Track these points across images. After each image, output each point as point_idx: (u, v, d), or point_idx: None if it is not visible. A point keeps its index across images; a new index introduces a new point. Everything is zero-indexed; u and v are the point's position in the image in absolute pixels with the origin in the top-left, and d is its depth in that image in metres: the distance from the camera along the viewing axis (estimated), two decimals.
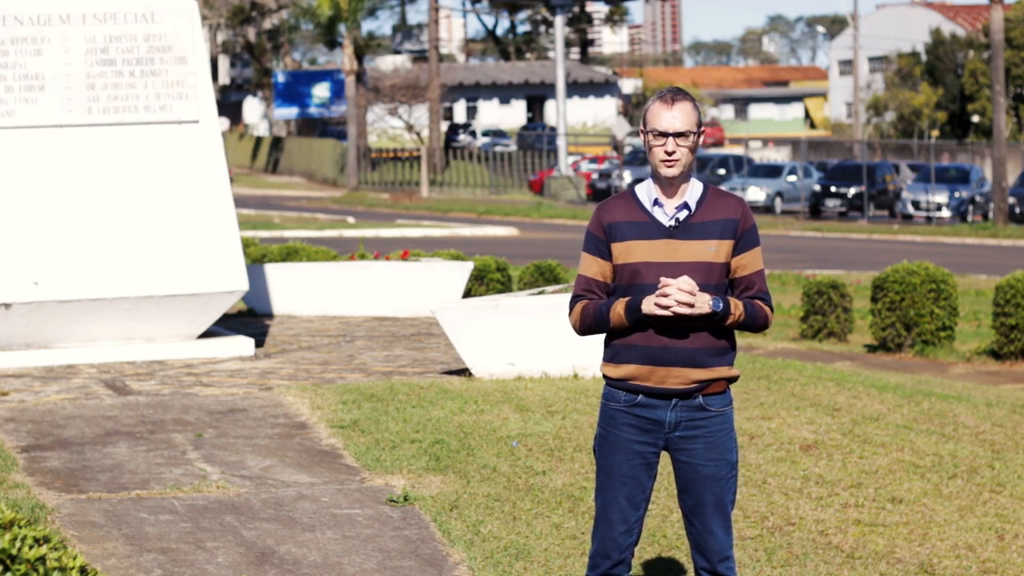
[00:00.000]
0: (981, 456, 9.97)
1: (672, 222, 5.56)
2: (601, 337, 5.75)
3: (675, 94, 5.55)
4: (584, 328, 5.68)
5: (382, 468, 8.78)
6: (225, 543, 7.48)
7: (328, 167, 67.47)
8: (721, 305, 5.50)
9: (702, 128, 5.60)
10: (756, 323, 5.61)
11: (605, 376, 5.70)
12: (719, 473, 5.67)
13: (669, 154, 5.51)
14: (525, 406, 10.27)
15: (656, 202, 5.59)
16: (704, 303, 5.46)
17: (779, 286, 25.64)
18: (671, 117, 5.51)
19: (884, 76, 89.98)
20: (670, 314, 5.45)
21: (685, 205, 5.59)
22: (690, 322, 5.52)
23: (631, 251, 5.55)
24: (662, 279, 5.47)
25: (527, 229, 42.21)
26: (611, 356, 5.66)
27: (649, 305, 5.47)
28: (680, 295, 5.43)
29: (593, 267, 5.65)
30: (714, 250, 5.54)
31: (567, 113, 56.81)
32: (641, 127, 5.62)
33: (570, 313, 5.71)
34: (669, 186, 5.58)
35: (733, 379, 5.69)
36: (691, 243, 5.53)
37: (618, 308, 5.55)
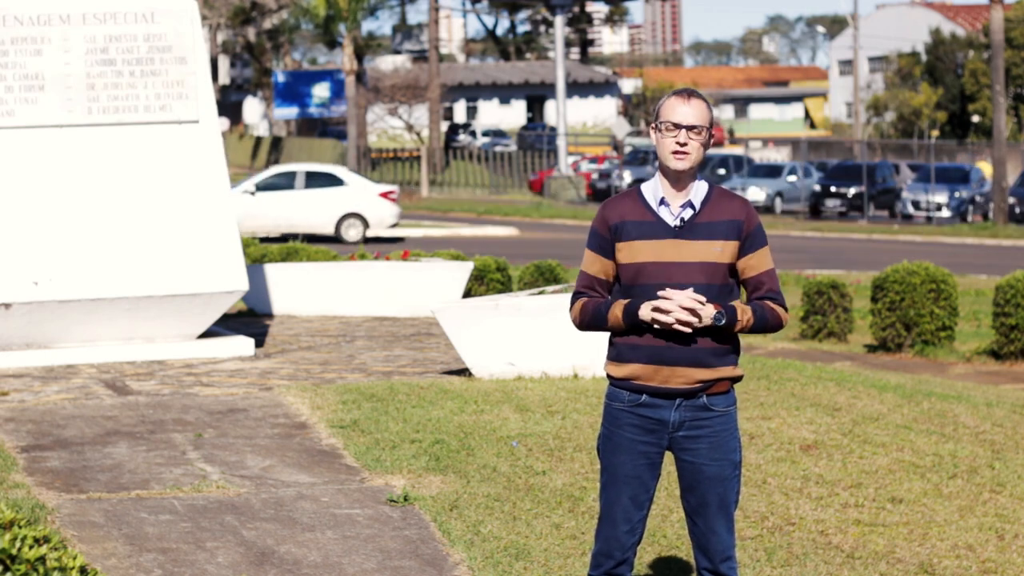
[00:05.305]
0: (981, 456, 9.97)
1: (678, 222, 5.55)
2: (603, 337, 5.75)
3: (691, 92, 5.60)
4: (583, 325, 5.70)
5: (382, 468, 8.78)
6: (225, 543, 7.48)
7: None
8: (724, 319, 5.48)
9: (712, 130, 5.62)
10: (767, 325, 5.61)
11: (609, 376, 5.69)
12: (723, 473, 5.67)
13: (681, 145, 5.52)
14: (525, 406, 10.27)
15: (662, 201, 5.59)
16: (707, 316, 5.44)
17: (779, 286, 25.62)
18: (687, 110, 5.53)
19: (884, 76, 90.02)
20: (670, 321, 5.45)
21: (690, 204, 5.58)
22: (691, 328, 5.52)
23: (636, 251, 5.54)
24: (660, 293, 5.46)
25: (527, 229, 42.20)
26: (615, 355, 5.65)
27: (647, 312, 5.48)
28: (681, 314, 5.42)
29: (595, 265, 5.65)
30: (719, 250, 5.53)
31: (567, 113, 56.77)
32: (652, 123, 5.61)
33: (571, 308, 5.72)
34: (676, 180, 5.57)
35: (737, 379, 5.68)
36: (697, 243, 5.52)
37: (616, 310, 5.56)
